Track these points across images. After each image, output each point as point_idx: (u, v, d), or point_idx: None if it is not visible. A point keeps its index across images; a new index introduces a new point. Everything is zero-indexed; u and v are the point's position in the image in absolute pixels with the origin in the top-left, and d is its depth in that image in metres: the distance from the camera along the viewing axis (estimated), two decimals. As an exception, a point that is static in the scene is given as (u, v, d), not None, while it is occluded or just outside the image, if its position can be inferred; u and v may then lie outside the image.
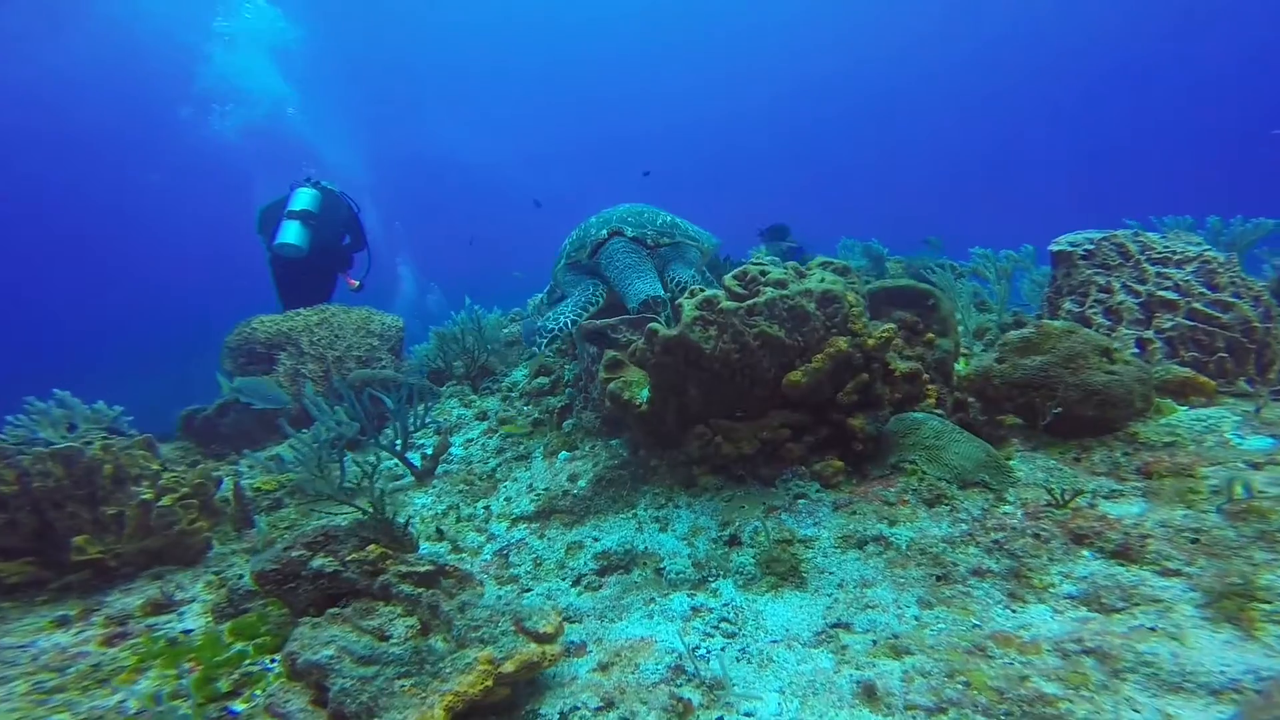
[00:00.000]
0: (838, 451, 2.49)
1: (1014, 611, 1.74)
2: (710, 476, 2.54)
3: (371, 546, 2.02)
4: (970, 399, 2.60)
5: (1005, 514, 2.12)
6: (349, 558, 1.98)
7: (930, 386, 2.59)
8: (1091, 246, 3.02)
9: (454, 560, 2.45)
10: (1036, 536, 1.98)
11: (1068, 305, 3.01)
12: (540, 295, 5.64)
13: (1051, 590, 1.79)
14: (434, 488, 3.06)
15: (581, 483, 2.69)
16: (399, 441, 3.19)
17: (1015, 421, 2.54)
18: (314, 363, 4.88)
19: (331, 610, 1.83)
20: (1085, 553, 1.90)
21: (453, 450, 3.53)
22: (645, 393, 2.58)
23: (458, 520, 2.68)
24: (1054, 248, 3.13)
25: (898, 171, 44.52)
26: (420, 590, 1.94)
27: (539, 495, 2.69)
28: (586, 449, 2.96)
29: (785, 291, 2.20)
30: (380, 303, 7.20)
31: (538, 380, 3.96)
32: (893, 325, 2.36)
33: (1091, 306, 2.91)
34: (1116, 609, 1.64)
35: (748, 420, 2.45)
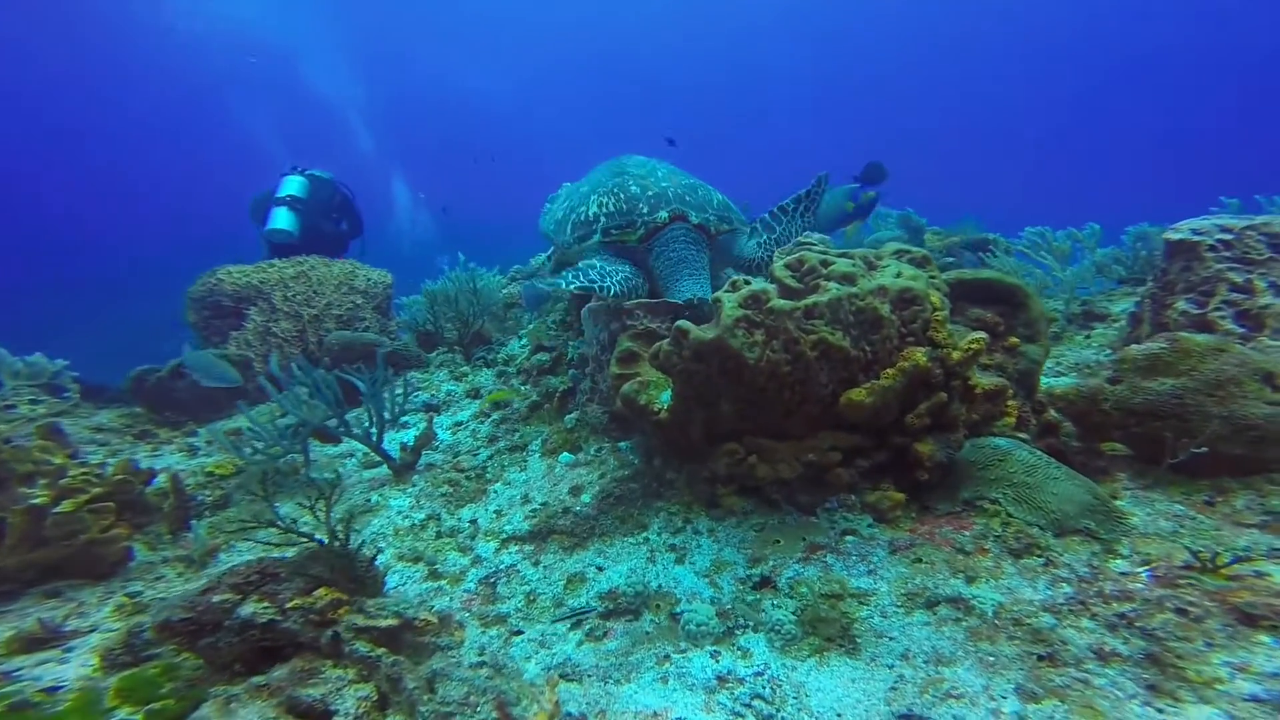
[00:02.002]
0: (893, 479, 2.06)
1: (1160, 712, 1.34)
2: (737, 498, 2.12)
3: (321, 590, 1.59)
4: (1062, 420, 2.14)
5: (1122, 574, 1.70)
6: (290, 604, 1.56)
7: (1011, 403, 2.12)
8: (1229, 236, 2.43)
9: (431, 587, 2.04)
10: (1181, 611, 1.56)
11: (1182, 306, 2.46)
12: (543, 256, 5.13)
13: (1219, 687, 1.36)
14: (414, 486, 2.63)
15: (585, 497, 2.26)
16: (374, 430, 2.73)
17: (1119, 450, 2.08)
18: (288, 320, 4.38)
19: (255, 680, 1.41)
20: (1265, 639, 1.46)
21: (439, 435, 3.09)
22: (666, 396, 2.12)
23: (438, 535, 2.26)
24: (1172, 235, 2.55)
25: (935, 133, 41.69)
26: (380, 651, 1.53)
27: (535, 510, 2.26)
28: (592, 452, 2.51)
29: (854, 289, 1.69)
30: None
31: (537, 356, 3.48)
32: (983, 335, 1.86)
33: (1218, 309, 2.36)
34: (1360, 731, 1.23)
35: (790, 439, 1.99)
